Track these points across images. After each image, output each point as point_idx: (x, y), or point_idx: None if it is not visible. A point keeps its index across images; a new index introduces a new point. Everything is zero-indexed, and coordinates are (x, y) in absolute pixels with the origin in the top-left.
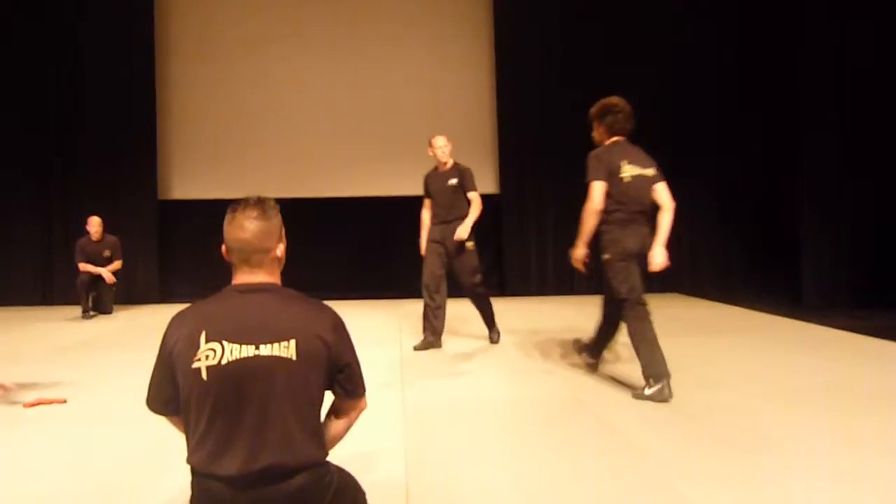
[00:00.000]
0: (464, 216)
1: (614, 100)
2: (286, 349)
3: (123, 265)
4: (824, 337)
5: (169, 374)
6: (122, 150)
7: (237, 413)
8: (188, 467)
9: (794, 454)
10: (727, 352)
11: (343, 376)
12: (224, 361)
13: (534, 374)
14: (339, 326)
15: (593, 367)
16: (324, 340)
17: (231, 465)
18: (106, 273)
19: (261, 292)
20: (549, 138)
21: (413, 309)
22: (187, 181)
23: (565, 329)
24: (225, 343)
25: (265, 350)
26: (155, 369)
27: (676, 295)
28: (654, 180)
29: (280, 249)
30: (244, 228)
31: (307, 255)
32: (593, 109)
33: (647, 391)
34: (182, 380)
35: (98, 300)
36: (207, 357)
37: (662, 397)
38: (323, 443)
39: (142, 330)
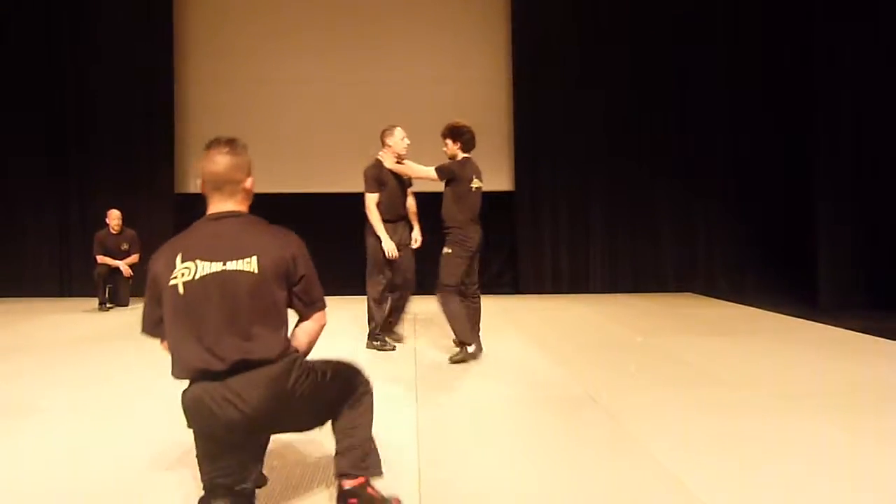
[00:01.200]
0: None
1: (464, 122)
2: (248, 264)
3: (140, 258)
4: (839, 338)
5: (155, 297)
6: (140, 144)
7: (211, 319)
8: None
9: (806, 455)
10: (740, 352)
11: (300, 288)
12: (197, 277)
13: (547, 371)
14: (298, 246)
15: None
16: (282, 257)
17: (210, 363)
18: (123, 265)
19: (228, 218)
20: (565, 136)
21: (425, 306)
22: None
23: (579, 326)
24: (198, 262)
25: (231, 265)
26: (145, 298)
27: (690, 294)
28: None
29: (249, 182)
30: (216, 162)
31: (321, 251)
32: (446, 131)
33: (461, 354)
34: (164, 298)
35: (115, 292)
36: (183, 274)
37: (474, 356)
38: (287, 339)
39: None
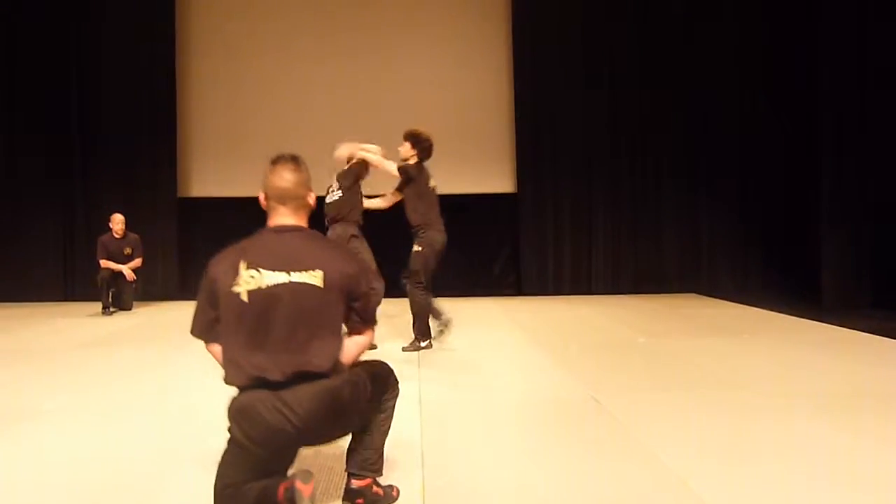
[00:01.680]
0: None
1: (424, 131)
2: (314, 277)
3: (143, 262)
4: (844, 338)
5: (211, 300)
6: (143, 148)
7: (272, 328)
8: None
9: (809, 456)
10: (743, 352)
11: (360, 305)
12: (263, 286)
13: (550, 372)
14: (361, 264)
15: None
16: (347, 274)
17: (268, 372)
18: (126, 270)
19: (291, 232)
20: (567, 138)
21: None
22: (206, 179)
23: (581, 328)
24: (262, 270)
25: (296, 277)
26: (198, 301)
27: (692, 295)
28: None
29: (311, 197)
30: (284, 178)
31: None
32: (408, 135)
33: (422, 344)
34: (223, 303)
35: (118, 297)
36: (248, 282)
37: (429, 346)
38: (339, 353)
39: (161, 326)
